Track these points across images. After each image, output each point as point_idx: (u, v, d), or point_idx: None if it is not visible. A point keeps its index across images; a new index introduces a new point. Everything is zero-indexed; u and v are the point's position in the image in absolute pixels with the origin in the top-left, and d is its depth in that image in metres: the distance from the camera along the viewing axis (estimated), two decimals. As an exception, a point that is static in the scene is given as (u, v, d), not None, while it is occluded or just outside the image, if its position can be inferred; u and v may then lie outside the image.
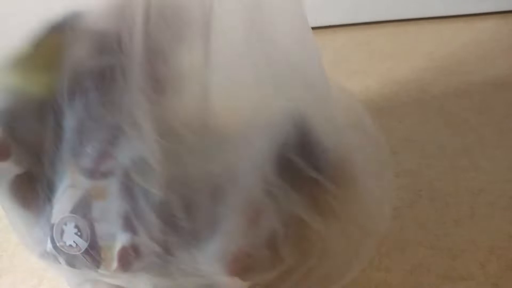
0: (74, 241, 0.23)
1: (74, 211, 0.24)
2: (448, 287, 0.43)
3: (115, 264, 0.22)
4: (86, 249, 0.23)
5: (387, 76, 0.79)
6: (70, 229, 0.23)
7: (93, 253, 0.23)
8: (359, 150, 0.24)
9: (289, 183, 0.20)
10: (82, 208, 0.24)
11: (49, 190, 0.25)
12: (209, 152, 0.22)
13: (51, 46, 0.33)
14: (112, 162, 0.24)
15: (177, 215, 0.22)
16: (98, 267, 0.22)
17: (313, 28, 1.04)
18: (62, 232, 0.23)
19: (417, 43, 0.87)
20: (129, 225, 0.23)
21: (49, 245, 0.24)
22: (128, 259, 0.22)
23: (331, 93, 0.23)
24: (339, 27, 0.93)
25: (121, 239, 0.23)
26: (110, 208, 0.23)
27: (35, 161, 0.26)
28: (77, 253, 0.23)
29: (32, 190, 0.25)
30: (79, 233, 0.23)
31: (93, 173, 0.25)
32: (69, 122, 0.24)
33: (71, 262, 0.23)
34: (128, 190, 0.24)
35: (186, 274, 0.23)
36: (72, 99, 0.24)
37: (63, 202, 0.24)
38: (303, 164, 0.20)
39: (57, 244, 0.23)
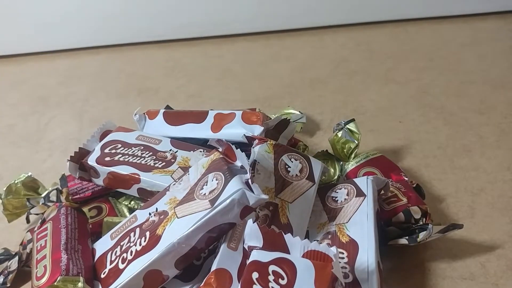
0: None
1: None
2: (448, 287, 0.43)
3: None
4: None
5: (387, 76, 0.79)
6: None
7: None
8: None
9: None
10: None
11: None
12: None
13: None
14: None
15: None
16: None
17: (313, 29, 1.04)
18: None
19: (417, 43, 0.88)
20: None
21: None
22: None
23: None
24: (339, 27, 0.94)
25: None
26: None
27: None
28: None
29: None
30: None
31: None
32: None
33: None
34: None
35: None
36: None
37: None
38: None
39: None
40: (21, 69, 0.92)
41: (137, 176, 0.49)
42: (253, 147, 0.47)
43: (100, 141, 0.55)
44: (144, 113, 0.60)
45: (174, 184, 0.44)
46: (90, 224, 0.49)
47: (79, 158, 0.53)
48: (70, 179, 0.55)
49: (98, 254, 0.43)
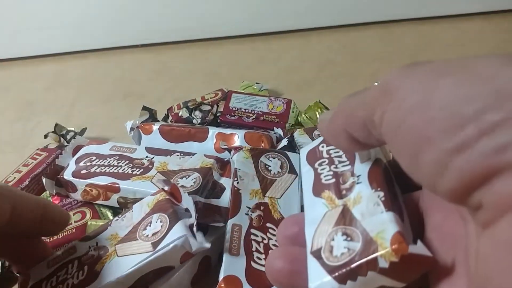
0: (345, 247, 0.23)
1: (336, 225, 0.24)
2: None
3: (390, 245, 0.21)
4: (360, 246, 0.22)
5: (373, 77, 0.79)
6: (338, 240, 0.23)
7: (367, 246, 0.22)
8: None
9: None
10: (343, 219, 0.24)
11: None
12: None
13: None
14: (349, 177, 0.27)
15: None
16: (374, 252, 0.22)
17: (298, 31, 1.04)
18: (331, 249, 0.23)
19: (402, 44, 0.88)
20: (388, 206, 0.23)
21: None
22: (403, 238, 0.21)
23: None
24: (324, 29, 0.94)
25: (391, 221, 0.22)
26: (369, 204, 0.24)
27: None
28: (352, 255, 0.22)
29: None
30: (348, 238, 0.23)
31: (340, 194, 0.26)
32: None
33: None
34: (374, 182, 0.26)
35: None
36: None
37: (322, 226, 0.25)
38: None
39: (329, 264, 0.23)
40: (6, 75, 0.92)
41: (116, 185, 0.49)
42: (231, 157, 0.49)
43: (73, 156, 0.55)
44: (137, 127, 0.60)
45: (117, 220, 0.44)
46: (74, 229, 0.49)
47: (54, 174, 0.53)
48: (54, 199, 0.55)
49: (33, 281, 0.41)
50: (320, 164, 0.29)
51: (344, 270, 0.22)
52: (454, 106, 0.17)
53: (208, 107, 0.65)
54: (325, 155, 0.29)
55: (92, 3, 0.89)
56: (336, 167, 0.28)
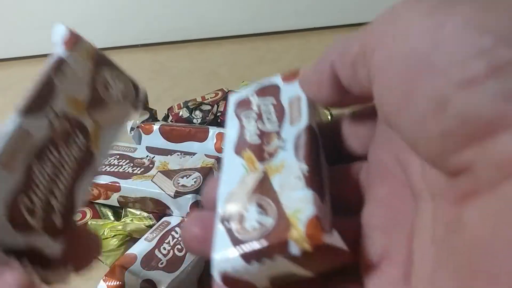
0: (257, 221, 0.20)
1: (252, 192, 0.21)
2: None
3: (305, 230, 0.19)
4: (273, 223, 0.19)
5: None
6: (251, 212, 0.20)
7: (281, 224, 0.19)
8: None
9: None
10: (261, 187, 0.21)
11: None
12: None
13: None
14: (275, 139, 0.23)
15: None
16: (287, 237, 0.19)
17: (298, 31, 1.03)
18: (242, 220, 0.20)
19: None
20: (310, 182, 0.20)
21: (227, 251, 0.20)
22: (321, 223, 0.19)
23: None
24: (324, 29, 0.94)
25: (310, 201, 0.20)
26: (290, 176, 0.21)
27: None
28: (263, 233, 0.19)
29: None
30: (262, 212, 0.20)
31: (262, 156, 0.23)
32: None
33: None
34: (300, 153, 0.22)
35: None
36: None
37: (236, 190, 0.22)
38: None
39: (238, 237, 0.20)
40: (6, 74, 0.92)
41: (117, 185, 0.49)
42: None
43: None
44: (137, 127, 0.60)
45: None
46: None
47: None
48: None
49: None
50: (247, 117, 0.25)
51: (252, 249, 0.19)
52: (469, 33, 0.14)
53: (209, 107, 0.65)
54: (254, 108, 0.25)
55: (92, 3, 0.89)
56: (263, 124, 0.24)
